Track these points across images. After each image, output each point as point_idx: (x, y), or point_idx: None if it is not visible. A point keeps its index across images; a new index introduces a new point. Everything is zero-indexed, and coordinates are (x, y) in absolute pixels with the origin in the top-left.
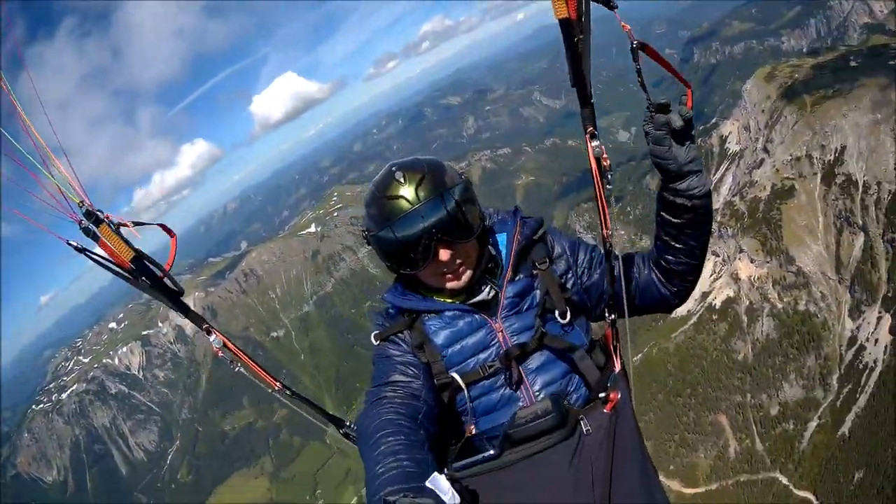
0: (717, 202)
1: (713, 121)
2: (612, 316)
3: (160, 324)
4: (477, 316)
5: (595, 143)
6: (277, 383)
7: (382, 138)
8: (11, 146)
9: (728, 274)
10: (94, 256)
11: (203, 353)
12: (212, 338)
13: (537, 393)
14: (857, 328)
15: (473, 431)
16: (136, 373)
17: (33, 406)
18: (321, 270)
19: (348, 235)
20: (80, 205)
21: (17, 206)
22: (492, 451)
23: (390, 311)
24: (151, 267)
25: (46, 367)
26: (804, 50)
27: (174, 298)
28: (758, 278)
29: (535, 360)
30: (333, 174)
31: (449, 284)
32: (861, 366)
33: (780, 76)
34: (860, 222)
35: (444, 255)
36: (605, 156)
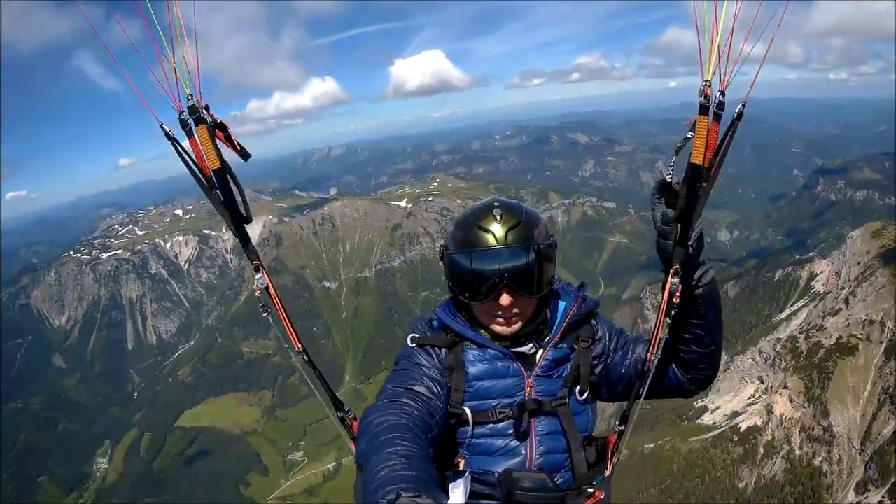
0: (784, 333)
1: (810, 254)
2: (622, 427)
3: (224, 230)
4: (515, 364)
5: (675, 279)
6: (300, 345)
7: (501, 147)
8: (149, 16)
9: (764, 404)
10: (180, 150)
11: (252, 274)
12: (258, 276)
13: (538, 457)
14: None
15: (461, 467)
16: (182, 264)
17: (70, 252)
18: (395, 244)
19: (434, 223)
20: (189, 97)
21: (136, 72)
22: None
23: (434, 323)
24: (232, 185)
25: (98, 224)
26: None
27: (238, 223)
28: (789, 419)
29: (546, 426)
30: (443, 161)
31: (497, 328)
32: None
33: (887, 236)
34: None
35: (506, 300)
36: (678, 293)
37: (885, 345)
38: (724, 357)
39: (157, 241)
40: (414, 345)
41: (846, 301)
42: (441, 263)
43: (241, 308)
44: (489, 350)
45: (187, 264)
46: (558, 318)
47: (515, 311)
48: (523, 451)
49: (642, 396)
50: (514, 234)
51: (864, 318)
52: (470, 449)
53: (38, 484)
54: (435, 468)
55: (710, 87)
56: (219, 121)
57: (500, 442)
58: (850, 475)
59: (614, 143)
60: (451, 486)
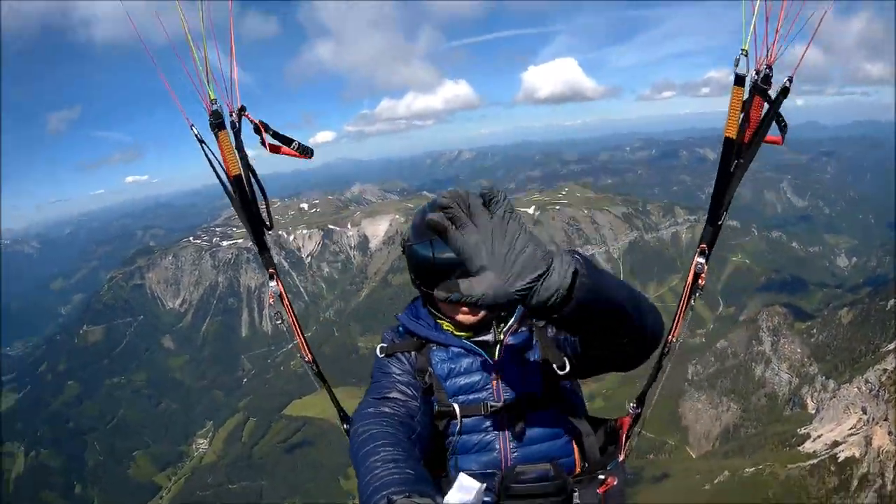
0: (892, 364)
1: None
2: (639, 410)
3: (349, 226)
4: (479, 359)
5: (701, 259)
6: (309, 356)
7: (630, 159)
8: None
9: (864, 435)
10: (206, 152)
11: (375, 271)
12: (272, 283)
13: (514, 450)
14: None
15: (448, 468)
16: (304, 257)
17: (191, 238)
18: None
19: (560, 232)
20: (213, 101)
21: (172, 74)
22: (487, 499)
23: (400, 329)
24: (256, 189)
25: (221, 213)
26: None
27: (257, 229)
28: (886, 452)
29: (530, 418)
30: (572, 171)
31: (461, 317)
32: None
33: None
34: None
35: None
36: (703, 274)
37: None
38: (831, 384)
39: (280, 232)
40: (383, 355)
41: None
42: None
43: (361, 303)
44: (452, 348)
45: (309, 258)
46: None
47: None
48: (497, 446)
49: (662, 379)
50: None
51: None
52: (455, 449)
53: (133, 458)
54: (422, 466)
55: (746, 56)
56: (256, 122)
57: (475, 438)
58: None
59: None
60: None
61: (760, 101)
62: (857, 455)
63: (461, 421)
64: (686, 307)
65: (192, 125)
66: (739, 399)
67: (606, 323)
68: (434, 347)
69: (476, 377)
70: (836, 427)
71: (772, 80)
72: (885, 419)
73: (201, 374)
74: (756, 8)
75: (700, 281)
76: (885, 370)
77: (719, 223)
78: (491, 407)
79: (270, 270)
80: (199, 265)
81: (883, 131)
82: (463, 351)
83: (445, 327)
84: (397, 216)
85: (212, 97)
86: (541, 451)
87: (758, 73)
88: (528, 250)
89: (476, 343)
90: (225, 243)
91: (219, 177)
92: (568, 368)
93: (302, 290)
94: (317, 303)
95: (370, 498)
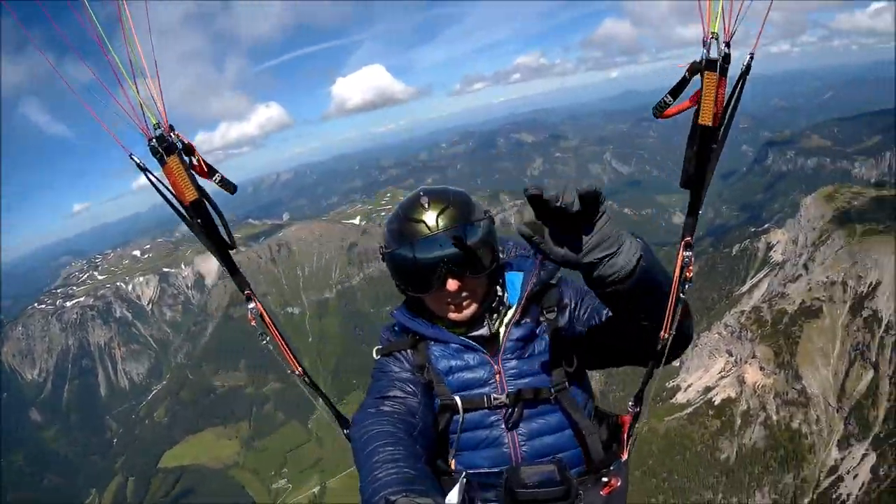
0: (747, 305)
1: (766, 226)
2: (638, 409)
3: (183, 266)
4: (480, 354)
5: (687, 252)
6: (300, 368)
7: (449, 154)
8: (107, 48)
9: (735, 375)
10: (154, 180)
11: (215, 307)
12: (250, 305)
13: (523, 444)
14: (842, 459)
15: (454, 466)
16: (145, 305)
17: (35, 304)
18: (353, 263)
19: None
20: (157, 126)
21: (94, 108)
22: None
23: (396, 328)
24: (212, 213)
25: (60, 272)
26: (872, 180)
27: (224, 252)
28: (762, 387)
29: (531, 411)
30: (392, 175)
31: (451, 315)
32: (834, 496)
33: (840, 199)
34: (874, 359)
35: (452, 285)
36: (690, 266)
37: (848, 304)
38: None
39: (117, 284)
40: (379, 356)
41: (805, 266)
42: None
43: (208, 343)
44: (451, 345)
45: (150, 304)
46: (516, 291)
47: (465, 294)
48: (506, 441)
49: (657, 376)
50: (444, 219)
51: (825, 280)
52: (458, 445)
53: None
54: (424, 463)
55: (716, 38)
56: (187, 142)
57: (482, 434)
58: (830, 433)
59: (560, 139)
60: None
61: (723, 80)
62: (732, 395)
63: (463, 417)
64: (676, 301)
65: (132, 154)
66: None
67: (648, 304)
68: (432, 343)
69: (479, 372)
70: (705, 374)
71: (730, 58)
72: (754, 356)
73: (73, 441)
74: None
75: (688, 273)
76: (742, 311)
77: (699, 212)
78: (494, 400)
79: (247, 292)
80: (48, 331)
81: None
82: (462, 347)
83: (440, 326)
84: None
85: (154, 120)
86: (548, 445)
87: (711, 50)
88: (605, 229)
89: (472, 338)
90: (68, 304)
91: (172, 205)
92: (576, 361)
93: (149, 338)
94: (166, 349)
95: (369, 499)
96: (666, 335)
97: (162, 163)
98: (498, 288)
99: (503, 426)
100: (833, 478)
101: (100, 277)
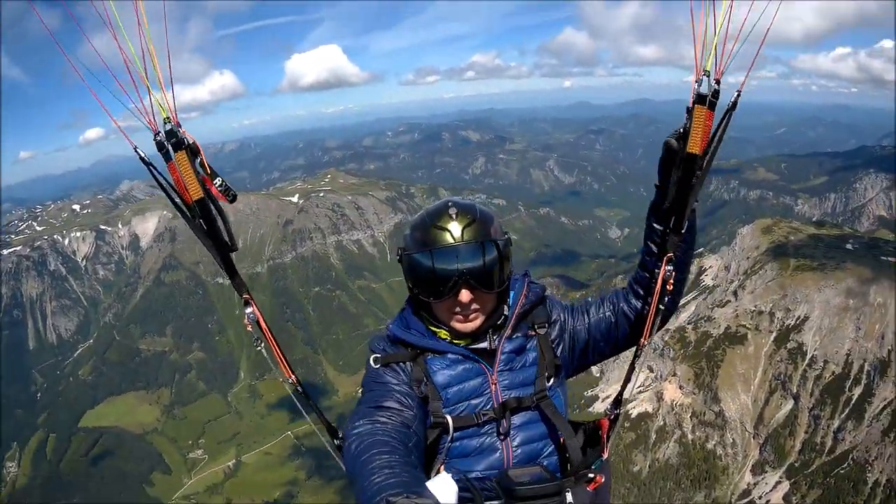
0: (673, 325)
1: (700, 250)
2: (618, 411)
3: (120, 226)
4: (477, 364)
5: (669, 267)
6: (293, 376)
7: (393, 143)
8: (122, 41)
9: (654, 391)
10: (158, 177)
11: (147, 270)
12: (248, 310)
13: (515, 449)
14: (755, 484)
15: (442, 471)
16: (80, 261)
17: None
18: (287, 240)
19: (325, 218)
20: (167, 120)
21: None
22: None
23: (391, 339)
24: (214, 213)
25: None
26: (813, 218)
27: (224, 254)
28: (679, 405)
29: (519, 418)
30: (335, 157)
31: (457, 325)
32: None
33: (778, 232)
34: (794, 390)
35: (465, 296)
36: (671, 281)
37: (774, 334)
38: None
39: (55, 237)
40: (378, 365)
41: (735, 294)
42: (399, 265)
43: (137, 305)
44: (448, 356)
45: (84, 261)
46: (510, 309)
47: (475, 307)
48: (499, 447)
49: (635, 380)
50: (470, 232)
51: (753, 308)
52: (448, 454)
53: None
54: (419, 472)
55: (708, 76)
56: (192, 141)
57: (475, 442)
58: (745, 457)
59: (506, 141)
60: (432, 486)
61: (711, 114)
62: (649, 410)
63: (453, 436)
64: (656, 312)
65: (136, 147)
66: None
67: (685, 244)
68: (430, 356)
69: (475, 382)
70: None
71: (719, 94)
72: (674, 374)
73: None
74: (703, 31)
75: (668, 286)
76: (667, 329)
77: (683, 231)
78: (483, 414)
79: (245, 296)
80: None
81: (657, 109)
82: (460, 357)
83: (441, 335)
84: (165, 212)
85: (165, 114)
86: (535, 451)
87: (707, 88)
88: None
89: (473, 351)
90: (5, 252)
91: (175, 203)
92: (553, 381)
93: (80, 295)
94: (96, 308)
95: (370, 500)
96: (645, 342)
97: (167, 158)
98: (505, 306)
99: (496, 435)
100: (745, 501)
101: (38, 228)
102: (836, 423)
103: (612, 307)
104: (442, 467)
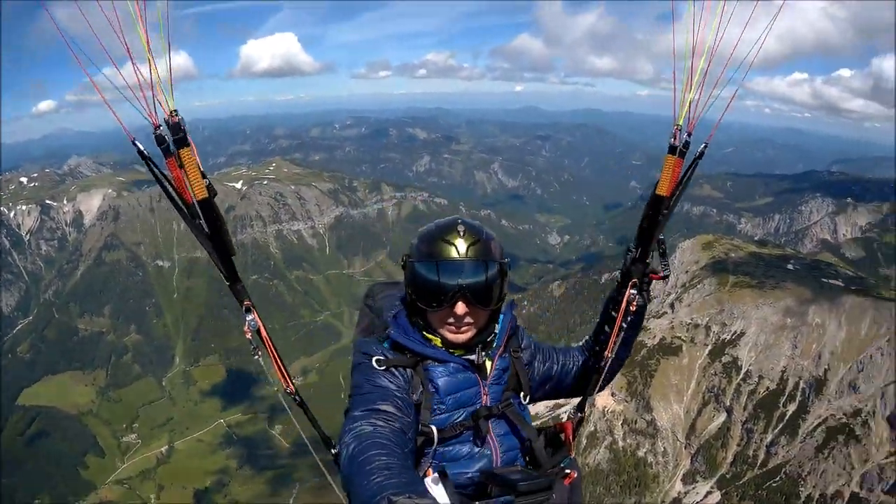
0: None
1: None
2: (581, 414)
3: (66, 201)
4: (473, 374)
5: (633, 291)
6: (291, 386)
7: (339, 136)
8: (130, 25)
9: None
10: (157, 173)
11: (89, 248)
12: (249, 317)
13: (502, 454)
14: (685, 493)
15: (431, 474)
16: (24, 235)
17: None
18: (228, 226)
19: (267, 207)
20: (174, 113)
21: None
22: (511, 498)
23: (386, 344)
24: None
25: None
26: (756, 237)
27: (225, 257)
28: (611, 412)
29: (500, 427)
30: (281, 146)
31: (450, 335)
32: None
33: (718, 248)
34: (728, 404)
35: (461, 308)
36: (634, 303)
37: (709, 347)
38: None
39: (1, 208)
40: (382, 367)
41: (672, 306)
42: (403, 271)
43: (77, 283)
44: (450, 364)
45: (28, 235)
46: (500, 331)
47: (468, 320)
48: (489, 452)
49: (597, 389)
50: (474, 250)
51: (689, 321)
52: (437, 458)
53: None
54: (417, 475)
55: (679, 130)
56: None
57: (465, 448)
58: (676, 467)
59: (452, 140)
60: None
61: (680, 161)
62: (580, 416)
63: (436, 448)
64: (619, 329)
65: (135, 140)
66: None
67: (634, 326)
68: (431, 363)
69: (472, 392)
70: None
71: (689, 145)
72: None
73: None
74: (681, 91)
75: (632, 307)
76: None
77: (649, 262)
78: (463, 423)
79: (247, 303)
80: None
81: (606, 120)
82: (461, 367)
83: (436, 343)
84: (110, 190)
85: (171, 107)
86: (514, 456)
87: (677, 139)
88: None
89: (465, 361)
90: None
91: (175, 202)
92: (528, 399)
93: (22, 269)
94: (37, 284)
95: (370, 500)
96: (609, 354)
97: (168, 153)
98: (496, 325)
99: (483, 441)
100: None
101: None
102: (770, 437)
103: (570, 358)
104: (430, 470)
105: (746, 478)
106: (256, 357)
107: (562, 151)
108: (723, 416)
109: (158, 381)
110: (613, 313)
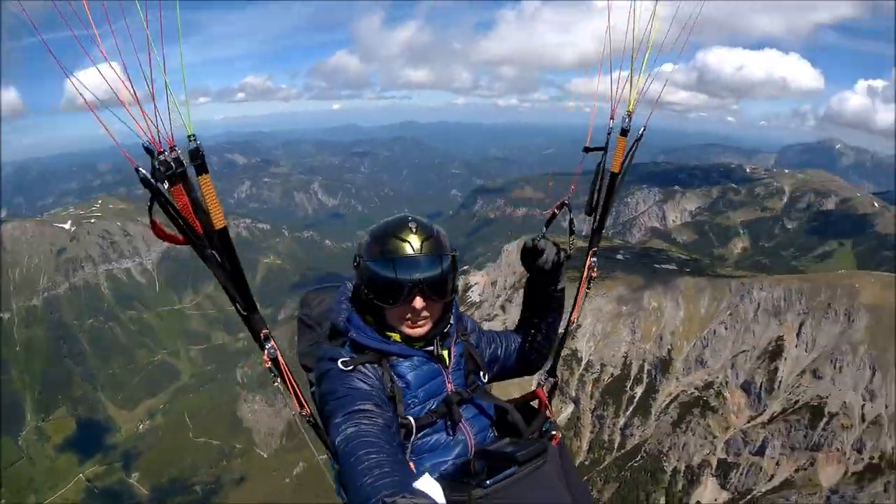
0: None
1: (465, 268)
2: (553, 379)
3: None
4: (436, 365)
5: (594, 259)
6: (306, 409)
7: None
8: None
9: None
10: (164, 201)
11: None
12: (268, 345)
13: (475, 435)
14: None
15: (413, 469)
16: None
17: None
18: (60, 270)
19: (96, 247)
20: (192, 137)
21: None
22: (515, 468)
23: (347, 347)
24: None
25: None
26: (582, 233)
27: (242, 288)
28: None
29: (469, 411)
30: (106, 182)
31: (408, 329)
32: None
33: None
34: (574, 394)
35: (418, 303)
36: (594, 270)
37: None
38: None
39: None
40: (349, 368)
41: (503, 307)
42: (356, 272)
43: None
44: (414, 358)
45: None
46: (453, 320)
47: (425, 314)
48: (462, 437)
49: (562, 353)
50: (428, 245)
51: None
52: (415, 451)
53: None
54: (409, 469)
55: (630, 118)
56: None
57: (442, 437)
58: None
59: (271, 164)
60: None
61: (623, 140)
62: None
63: (415, 437)
64: (583, 293)
65: (138, 167)
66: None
67: (556, 309)
68: (395, 360)
69: (438, 381)
70: None
71: (630, 125)
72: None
73: None
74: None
75: (593, 273)
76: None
77: (602, 230)
78: (435, 411)
79: (265, 332)
80: None
81: (423, 131)
82: (424, 359)
83: (395, 339)
84: None
85: (189, 132)
86: (485, 434)
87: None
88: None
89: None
90: None
91: (182, 228)
92: (487, 376)
93: None
94: None
95: (365, 501)
96: (575, 319)
97: (174, 181)
98: (451, 316)
99: (455, 427)
100: None
101: None
102: (622, 420)
103: (511, 340)
104: (412, 464)
105: (606, 462)
106: (275, 384)
107: (380, 166)
108: (571, 407)
109: (14, 439)
110: (537, 303)
